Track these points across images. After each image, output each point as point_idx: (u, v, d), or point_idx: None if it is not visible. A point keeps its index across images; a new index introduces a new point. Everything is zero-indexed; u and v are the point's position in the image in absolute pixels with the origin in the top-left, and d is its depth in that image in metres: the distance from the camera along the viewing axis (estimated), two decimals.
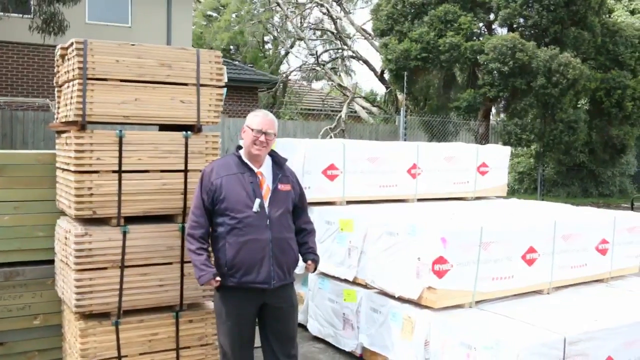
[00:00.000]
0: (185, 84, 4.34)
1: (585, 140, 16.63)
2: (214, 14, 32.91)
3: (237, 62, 24.00)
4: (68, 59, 4.26)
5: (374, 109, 23.33)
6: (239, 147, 4.04)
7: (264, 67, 28.41)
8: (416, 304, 4.75)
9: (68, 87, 4.28)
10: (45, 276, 4.77)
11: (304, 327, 6.11)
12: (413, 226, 4.76)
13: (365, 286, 5.32)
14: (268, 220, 3.84)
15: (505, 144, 14.29)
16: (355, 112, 22.96)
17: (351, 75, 29.59)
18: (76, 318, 4.16)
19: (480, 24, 16.14)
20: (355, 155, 6.22)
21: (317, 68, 23.60)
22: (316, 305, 5.89)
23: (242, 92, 20.86)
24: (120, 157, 4.13)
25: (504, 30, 16.24)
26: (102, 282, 4.11)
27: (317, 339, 5.90)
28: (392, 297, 4.96)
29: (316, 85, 31.10)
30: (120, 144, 4.12)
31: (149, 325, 4.31)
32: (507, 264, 4.92)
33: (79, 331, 4.10)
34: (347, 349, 5.47)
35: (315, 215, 5.97)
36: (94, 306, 4.10)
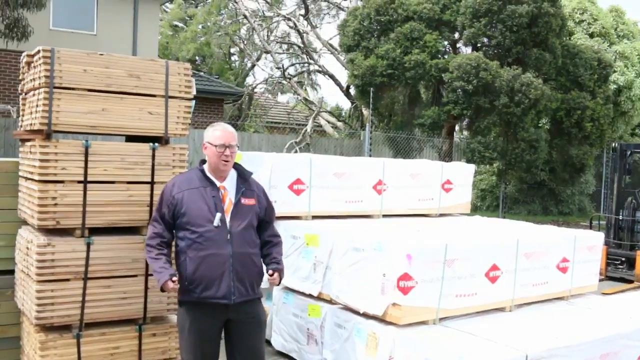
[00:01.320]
0: (154, 95, 4.32)
1: (546, 159, 16.99)
2: (181, 25, 32.75)
3: (202, 73, 23.87)
4: (34, 67, 4.21)
5: (339, 124, 23.45)
6: (203, 161, 4.00)
7: (230, 79, 28.31)
8: (381, 320, 4.77)
9: (34, 95, 4.21)
10: (4, 287, 4.67)
11: (268, 342, 6.06)
12: (379, 242, 4.79)
13: (330, 301, 5.32)
14: (229, 235, 3.81)
15: (468, 161, 14.50)
16: (321, 126, 23.03)
17: (317, 89, 29.76)
18: (36, 330, 4.08)
19: (445, 42, 16.41)
20: (322, 170, 6.23)
21: (283, 81, 23.64)
22: (280, 320, 5.86)
23: (207, 104, 20.72)
24: (86, 167, 4.08)
25: (469, 50, 16.53)
26: (64, 293, 4.04)
27: (280, 354, 5.87)
28: (357, 312, 4.97)
29: (282, 98, 31.17)
30: (86, 154, 4.08)
31: (111, 339, 4.25)
32: (470, 281, 4.98)
33: (39, 344, 4.01)
34: None
35: (281, 229, 5.92)
36: (55, 318, 4.03)
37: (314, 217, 6.22)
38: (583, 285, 6.02)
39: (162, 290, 3.83)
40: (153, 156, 4.32)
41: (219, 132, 3.87)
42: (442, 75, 14.95)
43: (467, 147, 15.25)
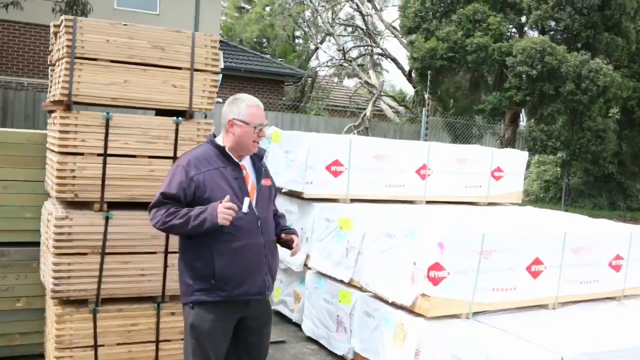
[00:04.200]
0: (179, 68, 4.18)
1: (615, 150, 16.13)
2: (246, 6, 32.87)
3: (267, 56, 23.92)
4: (59, 37, 4.13)
5: (401, 109, 23.01)
6: (214, 135, 3.62)
7: (293, 62, 28.25)
8: (410, 311, 4.52)
9: (58, 65, 4.15)
10: (30, 258, 4.67)
11: (298, 326, 5.92)
12: (411, 229, 4.54)
13: (361, 289, 5.10)
14: (259, 222, 3.41)
15: (530, 150, 13.89)
16: (382, 110, 22.65)
17: (380, 73, 29.33)
18: (54, 303, 4.04)
19: (510, 25, 15.73)
20: (362, 151, 6.00)
21: (345, 64, 23.34)
22: (312, 305, 5.69)
23: (268, 85, 20.74)
24: (106, 140, 3.99)
25: (535, 34, 15.83)
26: (81, 267, 3.97)
27: (310, 339, 5.71)
28: (386, 302, 4.74)
29: (347, 83, 30.85)
30: (107, 126, 3.98)
31: (128, 315, 4.17)
32: (509, 274, 4.67)
33: (55, 317, 3.98)
34: (338, 353, 5.27)
35: (316, 211, 5.79)
36: (71, 292, 3.97)
37: (352, 201, 6.01)
38: (638, 285, 5.59)
39: (219, 223, 3.20)
40: (176, 131, 4.19)
41: (254, 109, 3.40)
42: (506, 60, 14.33)
43: (529, 135, 14.61)
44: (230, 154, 3.45)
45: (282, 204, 6.30)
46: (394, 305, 4.67)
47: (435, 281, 4.31)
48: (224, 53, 4.43)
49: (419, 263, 4.40)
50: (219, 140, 3.51)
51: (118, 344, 4.15)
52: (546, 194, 20.24)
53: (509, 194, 7.08)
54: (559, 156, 17.28)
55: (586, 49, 14.38)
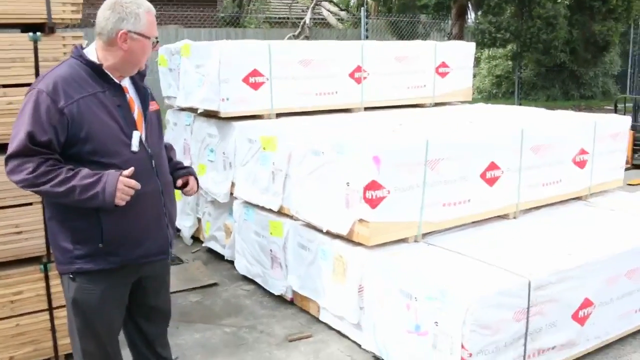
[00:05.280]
0: None
1: (566, 38, 15.41)
2: None
3: None
4: None
5: (343, 14, 21.78)
6: (81, 47, 2.67)
7: None
8: (348, 240, 3.80)
9: None
10: None
11: (232, 264, 5.19)
12: (340, 143, 3.75)
13: (292, 217, 4.35)
14: (152, 161, 2.63)
15: (478, 44, 13.06)
16: (324, 18, 21.41)
17: None
18: None
19: None
20: (284, 58, 5.11)
21: None
22: (243, 240, 4.94)
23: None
24: None
25: None
26: None
27: (246, 279, 4.99)
28: (321, 231, 4.01)
29: None
30: None
31: (9, 283, 3.40)
32: (461, 185, 3.95)
33: None
34: (275, 292, 4.58)
35: (236, 132, 4.96)
36: None
37: (279, 115, 5.17)
38: (605, 180, 4.97)
39: (115, 201, 2.42)
40: (35, 50, 3.31)
41: (152, 17, 2.57)
42: None
43: (477, 28, 13.75)
44: (109, 74, 2.56)
45: (200, 127, 5.45)
46: (330, 234, 3.94)
47: (373, 203, 3.56)
48: None
49: (353, 183, 3.64)
50: (90, 54, 2.58)
51: (1, 319, 3.38)
52: (498, 89, 19.60)
53: (457, 91, 6.31)
54: (509, 49, 16.52)
55: None
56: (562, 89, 19.12)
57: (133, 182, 2.45)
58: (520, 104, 14.61)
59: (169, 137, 5.71)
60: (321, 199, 3.94)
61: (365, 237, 3.63)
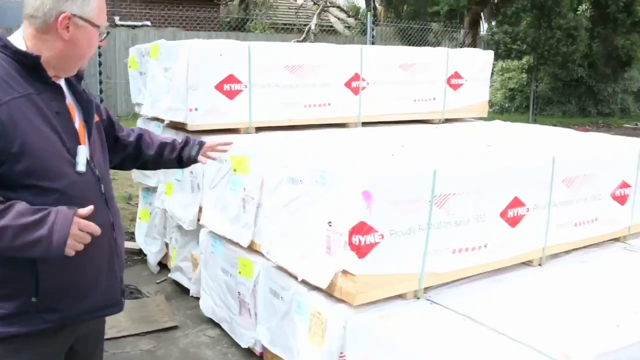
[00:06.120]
0: None
1: (585, 52, 14.55)
2: None
3: None
4: None
5: (351, 20, 21.02)
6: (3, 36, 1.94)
7: None
8: (329, 294, 2.97)
9: None
10: None
11: (198, 300, 4.37)
12: (322, 170, 2.92)
13: (264, 255, 3.53)
14: (102, 186, 2.04)
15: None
16: (331, 24, 20.66)
17: None
18: None
19: None
20: (267, 62, 4.32)
21: None
22: (209, 276, 4.13)
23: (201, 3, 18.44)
24: None
25: None
26: None
27: (211, 322, 4.18)
28: (296, 277, 3.18)
29: None
30: None
31: None
32: (476, 226, 3.12)
33: None
34: (243, 345, 3.76)
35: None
36: None
37: (259, 130, 4.38)
38: None
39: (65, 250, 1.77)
40: None
41: (103, 2, 2.00)
42: None
43: (492, 38, 12.92)
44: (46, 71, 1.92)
45: None
46: (306, 284, 3.11)
47: (361, 251, 2.73)
48: None
49: (337, 223, 2.81)
50: (17, 45, 1.89)
51: None
52: (511, 103, 18.72)
53: (471, 106, 5.50)
54: (524, 61, 15.67)
55: None
56: (579, 104, 18.22)
57: (93, 226, 1.83)
58: (535, 120, 13.74)
59: None
60: (297, 238, 3.11)
61: (349, 294, 2.80)
